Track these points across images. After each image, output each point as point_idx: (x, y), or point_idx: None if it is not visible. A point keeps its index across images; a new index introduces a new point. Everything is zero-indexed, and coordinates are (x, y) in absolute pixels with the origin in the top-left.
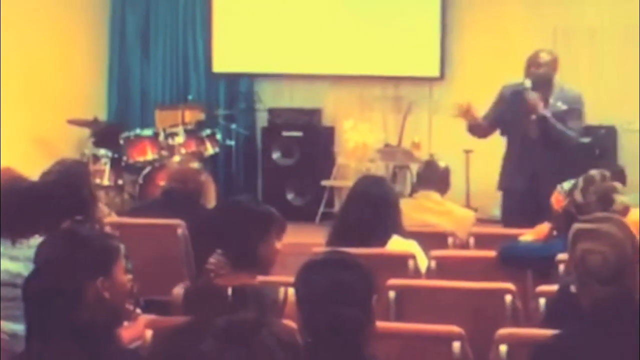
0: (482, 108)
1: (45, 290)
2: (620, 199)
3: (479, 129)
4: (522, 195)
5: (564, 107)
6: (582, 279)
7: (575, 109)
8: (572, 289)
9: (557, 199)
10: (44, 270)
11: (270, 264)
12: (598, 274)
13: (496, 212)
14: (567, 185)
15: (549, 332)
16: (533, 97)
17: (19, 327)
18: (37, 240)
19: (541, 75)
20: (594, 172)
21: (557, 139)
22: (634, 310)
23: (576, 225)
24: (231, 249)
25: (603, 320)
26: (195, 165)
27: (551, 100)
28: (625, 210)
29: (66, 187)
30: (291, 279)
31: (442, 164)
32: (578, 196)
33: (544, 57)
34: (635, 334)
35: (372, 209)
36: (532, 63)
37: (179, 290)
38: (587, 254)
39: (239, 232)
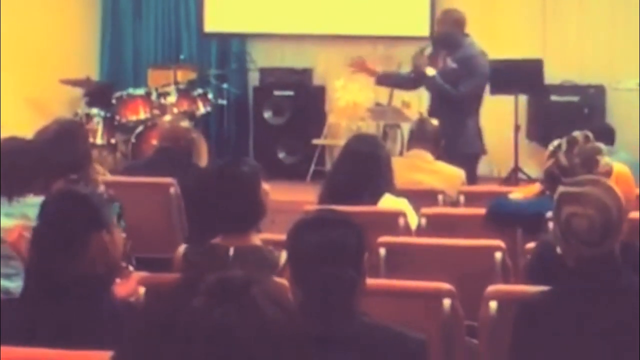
0: None
1: (51, 240)
2: (604, 160)
3: (391, 81)
4: None
5: (454, 65)
6: (568, 241)
7: (465, 68)
8: (557, 249)
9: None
10: (52, 222)
11: (266, 208)
12: (584, 236)
13: (485, 170)
14: (551, 145)
15: (536, 288)
16: (417, 57)
17: (13, 285)
18: (32, 198)
19: (439, 34)
20: (577, 134)
21: (444, 97)
22: (617, 268)
23: (561, 188)
24: (230, 210)
25: (587, 279)
26: (186, 123)
27: (448, 59)
28: (609, 171)
29: (62, 146)
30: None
31: (434, 121)
32: (562, 158)
33: (444, 16)
34: (617, 292)
35: (364, 167)
36: (437, 22)
37: (180, 249)
38: (572, 217)
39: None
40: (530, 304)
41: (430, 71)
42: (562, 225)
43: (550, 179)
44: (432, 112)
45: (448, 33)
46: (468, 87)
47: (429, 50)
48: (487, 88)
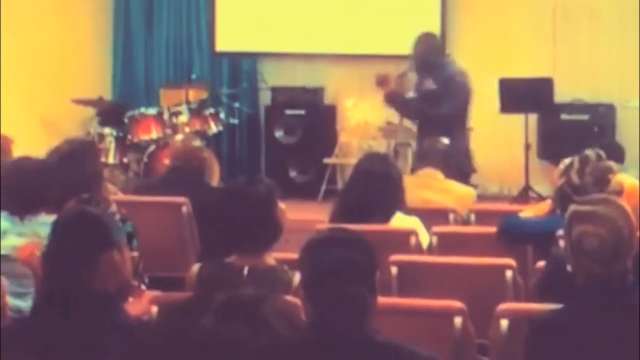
0: (482, 86)
1: (62, 257)
2: (616, 178)
3: (398, 103)
4: None
5: (433, 87)
6: (578, 259)
7: (445, 88)
8: (568, 267)
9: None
10: (63, 241)
11: (282, 227)
12: (595, 255)
13: (496, 188)
14: (562, 164)
15: (547, 307)
16: (399, 81)
17: (25, 304)
18: (44, 217)
19: (419, 57)
20: (589, 152)
21: (426, 118)
22: (627, 286)
23: (573, 207)
24: (247, 229)
25: (597, 298)
26: (198, 143)
27: (429, 81)
28: (620, 190)
29: (73, 166)
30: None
31: (444, 141)
32: (574, 177)
33: (423, 38)
34: (628, 310)
35: (376, 186)
36: (416, 44)
37: (193, 268)
38: (583, 236)
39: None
40: (541, 322)
41: (410, 94)
42: (573, 243)
43: (562, 197)
44: (420, 133)
45: (428, 55)
46: (448, 107)
47: (410, 73)
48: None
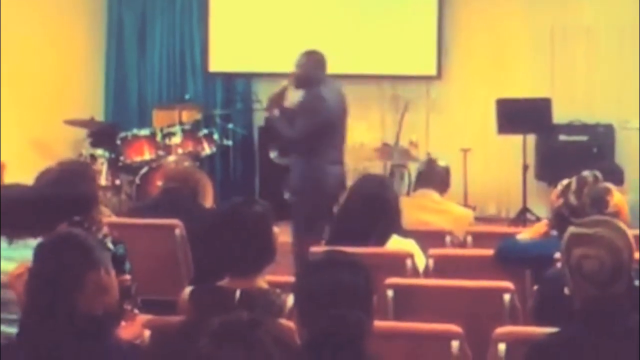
0: (479, 106)
1: (46, 279)
2: (614, 200)
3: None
4: None
5: (292, 107)
6: (577, 282)
7: (302, 108)
8: (566, 290)
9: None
10: (43, 262)
11: (276, 250)
12: (594, 278)
13: (493, 210)
14: (560, 185)
15: (545, 330)
16: (274, 98)
17: (14, 331)
18: (34, 241)
19: (297, 75)
20: (586, 174)
21: (281, 138)
22: (625, 309)
23: (571, 229)
24: (241, 252)
25: (595, 321)
26: (191, 164)
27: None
28: (618, 212)
29: (64, 189)
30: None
31: (442, 163)
32: (572, 198)
33: (305, 57)
34: (625, 333)
35: (372, 208)
36: (298, 63)
37: (185, 291)
38: (583, 259)
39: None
40: (539, 346)
41: (276, 112)
42: (572, 266)
43: (560, 218)
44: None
45: (306, 74)
46: (299, 127)
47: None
48: (496, 128)
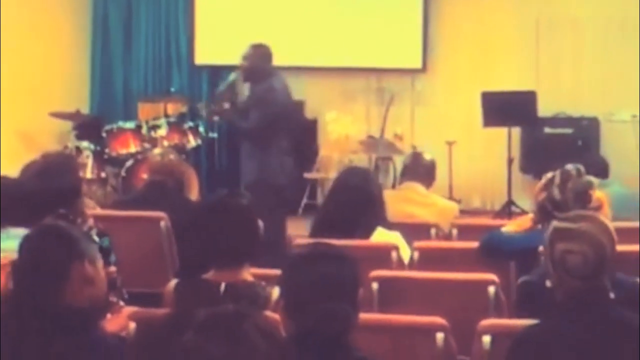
0: (464, 99)
1: (30, 271)
2: (596, 194)
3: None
4: None
5: (246, 98)
6: (560, 276)
7: (256, 100)
8: (548, 283)
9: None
10: (27, 254)
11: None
12: (577, 272)
13: (478, 203)
14: (544, 178)
15: (528, 322)
16: (220, 90)
17: None
18: (18, 231)
19: (245, 68)
20: (569, 167)
21: (235, 129)
22: (606, 301)
23: (555, 224)
24: (226, 244)
25: (577, 313)
26: (176, 157)
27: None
28: (600, 206)
29: (48, 181)
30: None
31: (427, 156)
32: (555, 192)
33: (252, 50)
34: (607, 324)
35: (356, 201)
36: (245, 56)
37: (170, 284)
38: (567, 254)
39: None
40: (521, 338)
41: (226, 104)
42: (555, 261)
43: (543, 212)
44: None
45: (252, 66)
46: (254, 119)
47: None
48: (481, 120)
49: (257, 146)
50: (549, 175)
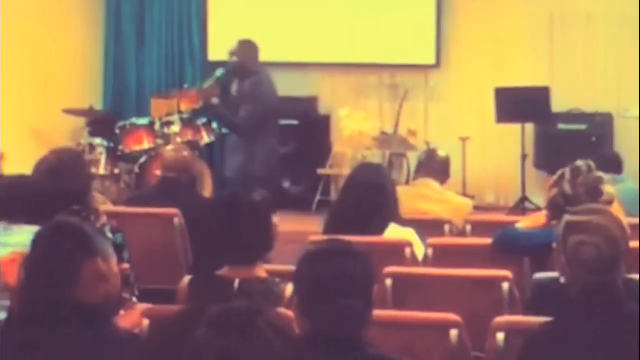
0: (478, 95)
1: (42, 268)
2: (607, 189)
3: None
4: None
5: (235, 93)
6: (574, 270)
7: (247, 95)
8: (562, 280)
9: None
10: (40, 250)
11: (275, 241)
12: (591, 265)
13: (492, 199)
14: (556, 175)
15: (542, 319)
16: (206, 86)
17: None
18: (29, 227)
19: (233, 64)
20: (580, 163)
21: (225, 124)
22: (620, 298)
23: (567, 217)
24: (241, 240)
25: (591, 308)
26: (189, 153)
27: (235, 88)
28: (611, 200)
29: (61, 177)
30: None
31: (442, 153)
32: (567, 187)
33: (239, 46)
34: (621, 321)
35: (370, 197)
36: (232, 52)
37: (184, 281)
38: (580, 245)
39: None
40: (535, 335)
41: (215, 100)
42: (569, 254)
43: (555, 208)
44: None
45: (242, 62)
46: (246, 113)
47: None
48: (494, 117)
49: (244, 140)
50: (560, 172)
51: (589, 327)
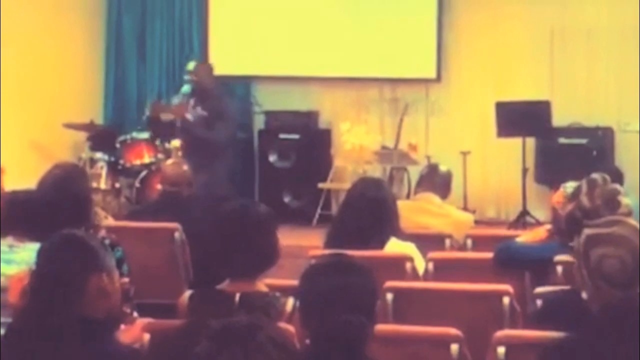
0: (479, 109)
1: (48, 281)
2: (625, 201)
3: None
4: None
5: (204, 113)
6: (597, 284)
7: (217, 113)
8: (583, 295)
9: (559, 202)
10: (47, 264)
11: (279, 255)
12: (615, 278)
13: (493, 213)
14: (569, 188)
15: (549, 334)
16: (176, 102)
17: None
18: (33, 244)
19: (197, 84)
20: (595, 175)
21: (200, 141)
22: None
23: (587, 231)
24: (242, 256)
25: (615, 323)
26: (188, 167)
27: (198, 108)
28: (630, 212)
29: (63, 192)
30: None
31: (444, 168)
32: (585, 200)
33: (190, 66)
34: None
35: (370, 211)
36: (193, 73)
37: (185, 295)
38: (604, 258)
39: (250, 241)
40: (552, 350)
41: (189, 116)
42: (591, 268)
43: (573, 222)
44: (186, 155)
45: (207, 83)
46: (223, 131)
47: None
48: (495, 131)
49: (207, 159)
50: (571, 184)
51: (612, 342)
